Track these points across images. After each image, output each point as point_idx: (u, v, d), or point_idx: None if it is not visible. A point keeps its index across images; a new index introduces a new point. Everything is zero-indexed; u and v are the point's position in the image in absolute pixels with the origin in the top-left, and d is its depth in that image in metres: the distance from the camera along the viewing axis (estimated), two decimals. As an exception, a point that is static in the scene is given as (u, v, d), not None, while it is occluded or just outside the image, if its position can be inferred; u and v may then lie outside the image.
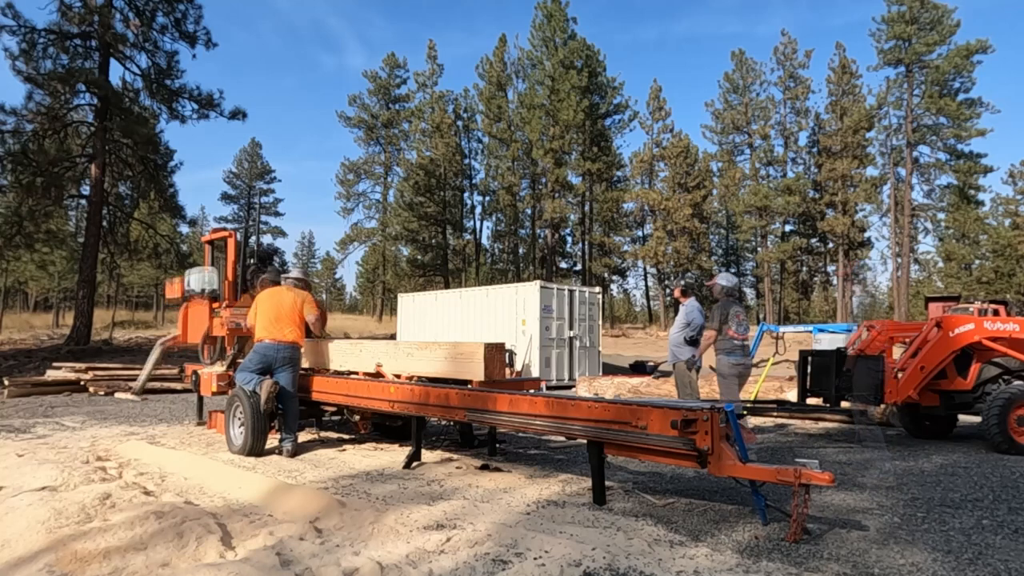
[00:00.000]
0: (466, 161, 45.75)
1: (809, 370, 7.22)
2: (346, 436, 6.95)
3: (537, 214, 42.72)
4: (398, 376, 5.87)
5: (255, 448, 5.79)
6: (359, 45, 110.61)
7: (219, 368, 6.99)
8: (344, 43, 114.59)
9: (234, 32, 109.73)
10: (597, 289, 16.43)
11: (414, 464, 5.35)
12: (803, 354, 7.30)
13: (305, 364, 6.92)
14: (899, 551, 3.20)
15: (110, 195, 22.34)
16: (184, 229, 39.70)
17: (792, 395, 8.25)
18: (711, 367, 7.32)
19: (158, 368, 10.90)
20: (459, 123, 45.62)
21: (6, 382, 11.54)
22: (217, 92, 22.36)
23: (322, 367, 6.76)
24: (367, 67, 64.44)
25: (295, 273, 6.45)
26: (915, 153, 41.18)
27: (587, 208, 44.33)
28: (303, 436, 6.89)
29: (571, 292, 15.13)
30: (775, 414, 8.49)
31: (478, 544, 3.19)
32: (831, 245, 45.69)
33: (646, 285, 50.59)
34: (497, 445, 6.01)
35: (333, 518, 3.63)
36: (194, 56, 22.77)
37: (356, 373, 6.26)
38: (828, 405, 6.84)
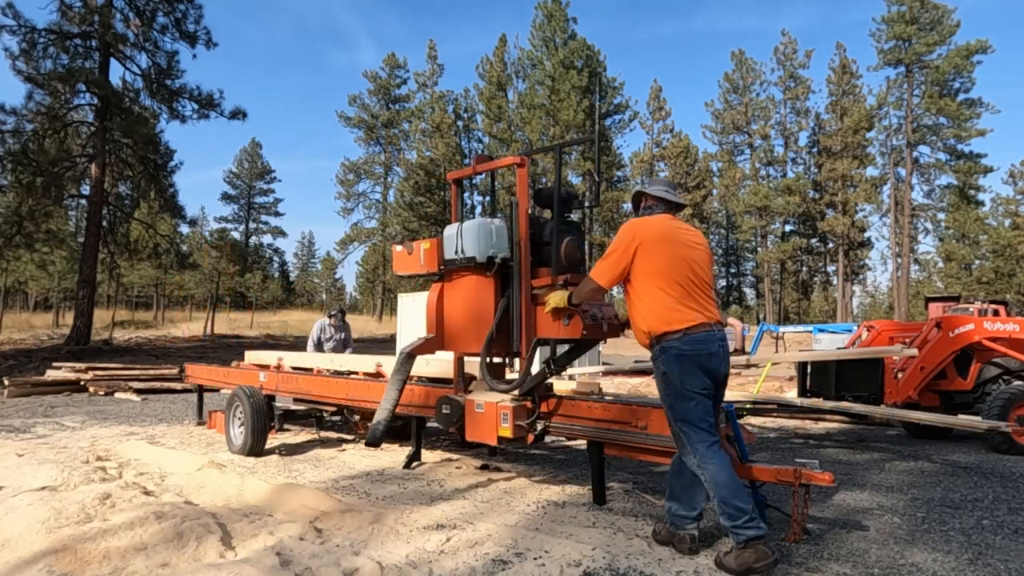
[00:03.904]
0: (466, 161, 45.77)
1: (809, 370, 7.22)
2: (346, 436, 6.95)
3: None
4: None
5: (255, 448, 5.79)
6: (371, 42, 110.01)
7: (506, 397, 4.20)
8: (356, 40, 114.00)
9: (245, 29, 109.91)
10: (597, 289, 16.38)
11: (414, 464, 5.35)
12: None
13: (308, 364, 6.90)
14: (899, 551, 3.20)
15: (110, 195, 22.33)
16: (184, 229, 39.75)
17: (792, 395, 8.25)
18: None
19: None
20: (459, 123, 45.64)
21: (6, 382, 11.53)
22: (217, 92, 22.36)
23: (323, 367, 6.75)
24: (378, 64, 64.04)
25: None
26: (915, 153, 41.21)
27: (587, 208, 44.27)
28: (303, 436, 6.88)
29: (571, 292, 15.06)
30: (775, 414, 8.49)
31: (478, 544, 3.19)
32: (831, 245, 45.73)
33: (646, 285, 50.59)
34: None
35: (333, 518, 3.63)
36: (194, 56, 22.78)
37: (356, 373, 6.26)
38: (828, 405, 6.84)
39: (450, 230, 4.49)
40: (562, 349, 4.20)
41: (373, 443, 4.40)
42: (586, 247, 4.52)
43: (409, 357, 4.52)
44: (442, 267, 4.58)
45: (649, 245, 3.17)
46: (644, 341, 3.24)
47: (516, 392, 4.16)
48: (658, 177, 4.61)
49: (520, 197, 4.31)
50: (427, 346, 4.56)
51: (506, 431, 4.08)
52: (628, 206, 46.27)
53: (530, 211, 4.46)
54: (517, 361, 4.47)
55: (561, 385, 5.65)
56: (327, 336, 9.00)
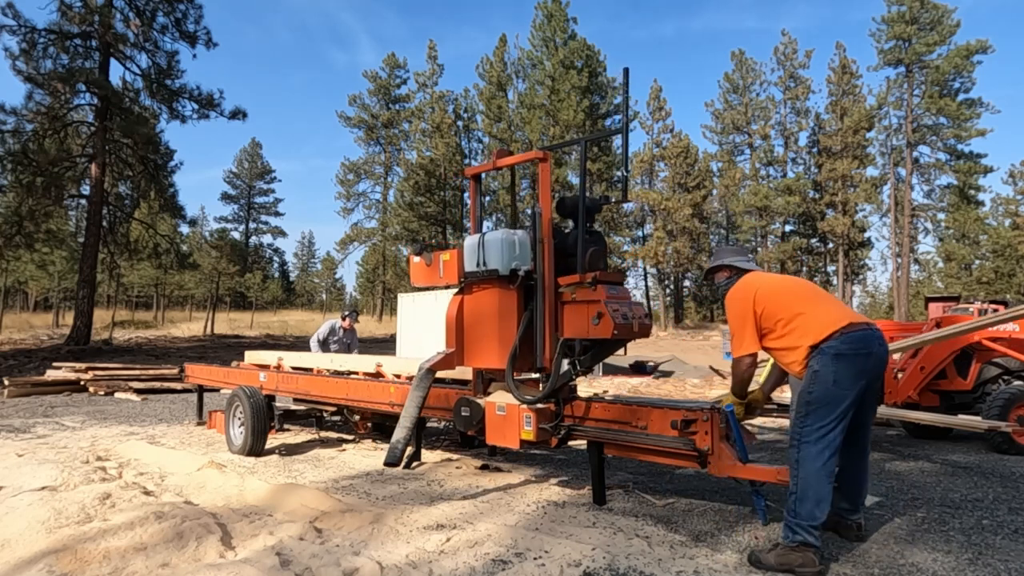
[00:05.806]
0: (466, 161, 45.72)
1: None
2: (346, 436, 6.95)
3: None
4: (398, 376, 5.86)
5: (255, 448, 5.79)
6: (371, 42, 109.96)
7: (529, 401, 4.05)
8: (356, 40, 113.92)
9: (245, 29, 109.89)
10: (597, 289, 16.36)
11: (414, 464, 5.35)
12: None
13: (308, 364, 6.90)
14: (899, 551, 3.20)
15: (110, 195, 22.35)
16: (184, 229, 39.79)
17: (792, 395, 8.23)
18: (710, 367, 7.27)
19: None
20: (459, 123, 45.63)
21: (6, 382, 11.53)
22: (217, 92, 22.43)
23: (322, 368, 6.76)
24: (378, 65, 64.01)
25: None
26: (915, 153, 41.21)
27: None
28: (303, 436, 6.89)
29: (571, 292, 15.03)
30: (775, 414, 8.48)
31: (478, 544, 3.19)
32: (831, 245, 45.68)
33: (646, 285, 50.55)
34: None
35: (333, 518, 3.63)
36: (194, 56, 22.86)
37: (356, 373, 6.26)
38: None
39: (471, 241, 4.28)
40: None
41: (393, 463, 4.13)
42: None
43: (429, 373, 4.33)
44: (462, 279, 4.39)
45: (766, 296, 3.22)
46: (802, 367, 3.10)
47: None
48: (728, 246, 4.34)
49: (543, 193, 4.17)
50: (446, 361, 4.37)
51: (529, 434, 3.98)
52: (629, 206, 46.30)
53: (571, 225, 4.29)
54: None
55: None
56: (336, 338, 8.56)
